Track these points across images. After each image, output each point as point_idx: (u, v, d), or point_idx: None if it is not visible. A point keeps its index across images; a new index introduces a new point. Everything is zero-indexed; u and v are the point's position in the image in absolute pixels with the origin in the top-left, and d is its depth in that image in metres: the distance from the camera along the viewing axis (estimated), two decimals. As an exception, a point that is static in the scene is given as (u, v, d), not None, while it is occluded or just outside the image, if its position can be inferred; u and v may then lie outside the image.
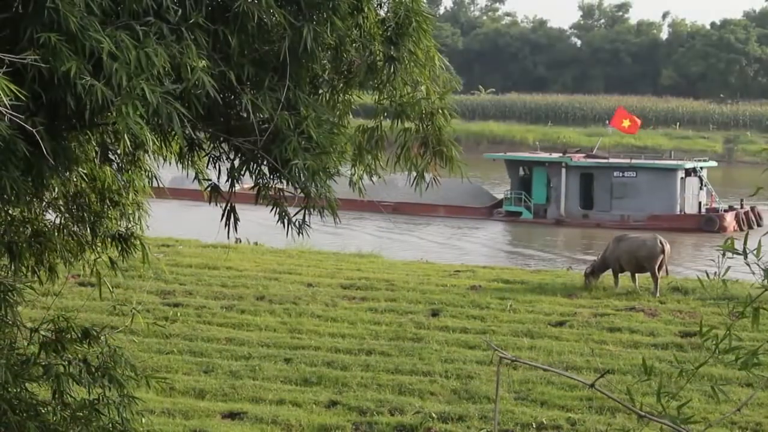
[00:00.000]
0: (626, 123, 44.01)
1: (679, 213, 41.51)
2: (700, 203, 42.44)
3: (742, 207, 42.42)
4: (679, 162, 43.65)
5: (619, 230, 40.48)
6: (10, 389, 7.07)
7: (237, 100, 6.28)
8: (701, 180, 42.49)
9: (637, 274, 19.61)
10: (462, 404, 13.45)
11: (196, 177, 7.47)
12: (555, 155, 45.67)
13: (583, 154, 46.11)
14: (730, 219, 40.82)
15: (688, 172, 42.12)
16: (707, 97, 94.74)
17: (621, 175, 42.21)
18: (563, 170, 42.93)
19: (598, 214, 41.90)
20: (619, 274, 19.72)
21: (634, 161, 43.84)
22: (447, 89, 7.30)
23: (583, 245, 38.26)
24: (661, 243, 19.32)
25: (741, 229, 40.57)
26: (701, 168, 42.81)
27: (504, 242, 40.22)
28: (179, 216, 33.46)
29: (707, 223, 40.47)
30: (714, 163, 47.89)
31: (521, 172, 43.75)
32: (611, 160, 43.92)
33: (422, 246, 34.14)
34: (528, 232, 41.44)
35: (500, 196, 44.49)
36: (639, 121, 45.51)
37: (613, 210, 41.71)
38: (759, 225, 41.90)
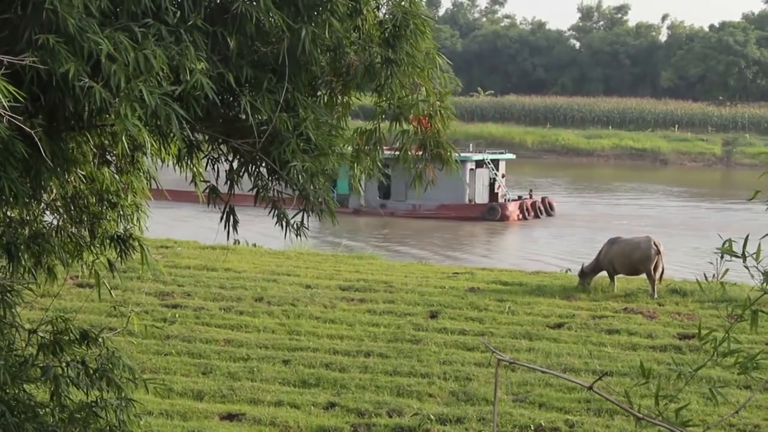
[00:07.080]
0: None
1: (466, 203, 44.30)
2: (496, 194, 45.25)
3: (530, 197, 45.55)
4: (468, 154, 45.91)
5: (411, 218, 43.66)
6: (8, 390, 7.06)
7: (236, 101, 6.28)
8: (492, 171, 45.15)
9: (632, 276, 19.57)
10: (460, 406, 13.44)
11: (194, 179, 7.47)
12: None
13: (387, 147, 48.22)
14: (512, 208, 43.89)
15: (479, 164, 44.83)
16: (706, 99, 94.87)
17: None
18: None
19: (394, 203, 44.65)
20: (615, 276, 19.67)
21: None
22: (446, 91, 7.30)
23: (379, 233, 40.92)
24: (655, 245, 19.14)
25: (525, 218, 44.08)
26: (490, 160, 45.41)
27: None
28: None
29: (489, 212, 43.59)
30: (512, 156, 50.61)
31: None
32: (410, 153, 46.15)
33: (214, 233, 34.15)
34: (327, 221, 42.86)
35: None
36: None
37: (407, 200, 44.27)
38: (549, 214, 45.11)
